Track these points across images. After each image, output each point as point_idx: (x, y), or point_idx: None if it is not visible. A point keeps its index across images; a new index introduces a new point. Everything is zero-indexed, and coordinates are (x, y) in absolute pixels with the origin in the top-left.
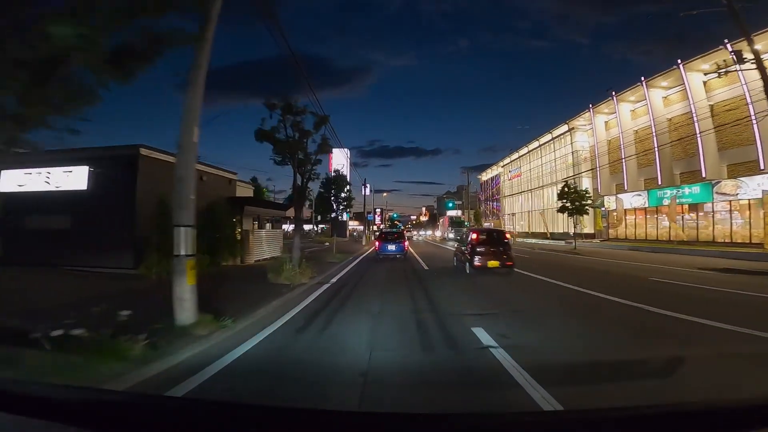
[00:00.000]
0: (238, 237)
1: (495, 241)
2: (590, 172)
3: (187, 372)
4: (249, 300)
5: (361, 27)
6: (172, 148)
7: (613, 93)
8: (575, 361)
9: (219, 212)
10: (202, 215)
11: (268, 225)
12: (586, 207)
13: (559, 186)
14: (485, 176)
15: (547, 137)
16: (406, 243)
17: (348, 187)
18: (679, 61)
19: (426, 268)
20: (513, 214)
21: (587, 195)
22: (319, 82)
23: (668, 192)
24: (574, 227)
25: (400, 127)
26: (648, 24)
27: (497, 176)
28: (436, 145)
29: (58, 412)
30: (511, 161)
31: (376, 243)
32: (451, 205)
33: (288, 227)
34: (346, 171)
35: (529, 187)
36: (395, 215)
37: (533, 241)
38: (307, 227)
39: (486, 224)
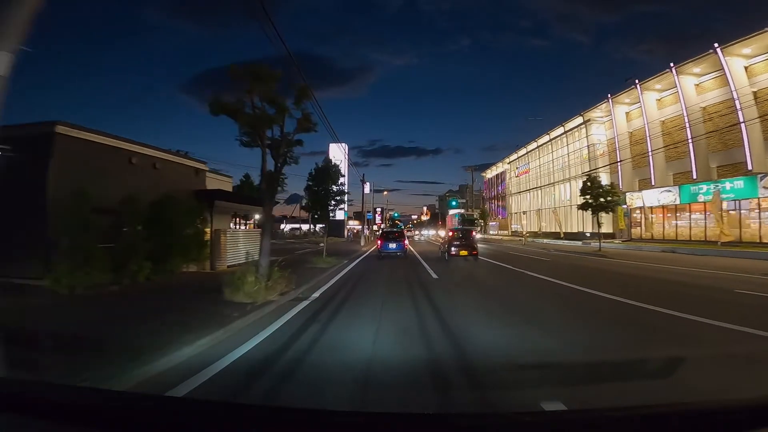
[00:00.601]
0: (204, 238)
1: (464, 237)
2: (609, 167)
3: None
4: (159, 337)
5: (362, 27)
6: (105, 126)
7: (637, 81)
8: None
9: (172, 207)
10: (152, 210)
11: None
12: (612, 204)
13: (574, 182)
14: (490, 173)
15: (559, 131)
16: (406, 242)
17: (342, 179)
18: (716, 45)
19: (435, 276)
20: (525, 212)
21: (613, 191)
22: (320, 83)
23: (704, 187)
24: (599, 226)
25: (401, 126)
26: (649, 23)
27: (503, 173)
28: (437, 145)
29: (59, 412)
30: (518, 157)
31: (378, 242)
32: (454, 203)
33: (285, 226)
34: (344, 168)
35: (539, 184)
36: (396, 214)
37: (545, 241)
38: (305, 227)
39: (491, 223)
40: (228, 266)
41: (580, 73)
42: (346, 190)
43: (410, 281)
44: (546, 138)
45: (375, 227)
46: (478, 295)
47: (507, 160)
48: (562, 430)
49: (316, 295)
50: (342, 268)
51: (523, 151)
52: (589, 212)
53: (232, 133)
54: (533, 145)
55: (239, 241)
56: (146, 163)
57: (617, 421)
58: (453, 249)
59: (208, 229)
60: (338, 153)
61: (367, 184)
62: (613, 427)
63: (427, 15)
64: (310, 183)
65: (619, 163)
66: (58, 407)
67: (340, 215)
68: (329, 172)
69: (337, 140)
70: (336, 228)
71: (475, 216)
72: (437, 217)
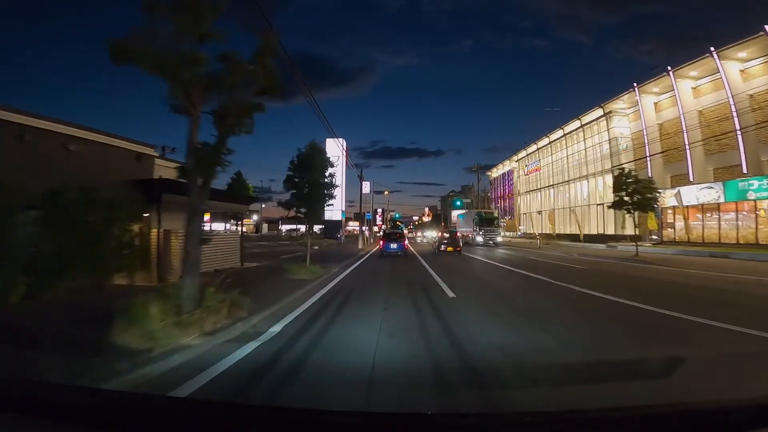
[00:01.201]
0: (146, 242)
1: (451, 237)
2: (634, 162)
3: None
4: None
5: (363, 27)
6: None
7: (669, 68)
8: None
9: (75, 200)
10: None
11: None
12: (652, 201)
13: (593, 179)
14: (495, 172)
15: (574, 125)
16: (406, 242)
17: (332, 170)
18: (767, 27)
19: (452, 295)
20: (539, 212)
21: (652, 186)
22: (321, 83)
23: (755, 182)
24: (635, 227)
25: (403, 127)
26: (650, 23)
27: (509, 172)
28: (438, 146)
29: (59, 412)
30: (527, 154)
31: (381, 242)
32: (459, 203)
33: (283, 227)
34: (341, 164)
35: (551, 182)
36: (397, 215)
37: (562, 244)
38: (304, 228)
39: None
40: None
41: (581, 74)
42: (336, 183)
43: (417, 300)
44: (559, 133)
45: (376, 228)
46: (547, 338)
47: (515, 158)
48: (562, 430)
49: (277, 328)
50: (329, 280)
51: (533, 148)
52: (613, 212)
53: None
54: (545, 141)
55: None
56: (51, 142)
57: (617, 421)
58: (442, 246)
59: (155, 231)
60: (335, 149)
61: (367, 183)
62: (613, 427)
63: (428, 15)
64: (291, 173)
65: (648, 158)
66: (58, 407)
67: (337, 215)
68: (315, 159)
69: (333, 135)
70: (332, 229)
71: (495, 214)
72: (440, 218)
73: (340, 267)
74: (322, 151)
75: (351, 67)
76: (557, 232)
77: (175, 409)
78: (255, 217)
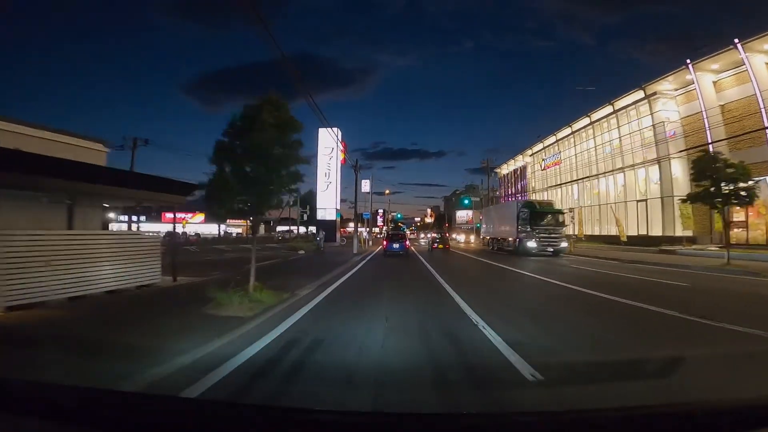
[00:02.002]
0: None
1: (442, 237)
2: (687, 151)
3: None
4: None
5: (365, 28)
6: None
7: (737, 41)
8: None
9: None
10: None
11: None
12: (750, 192)
13: (630, 172)
14: (505, 169)
15: (604, 111)
16: (408, 242)
17: (297, 136)
18: None
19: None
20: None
21: (745, 171)
22: (322, 85)
23: None
24: (726, 226)
25: (404, 129)
26: (654, 24)
27: (523, 168)
28: (440, 147)
29: (59, 412)
30: (544, 147)
31: (384, 242)
32: (467, 201)
33: (278, 228)
34: (335, 158)
35: (574, 176)
36: (399, 215)
37: (596, 246)
38: (302, 229)
39: None
40: (13, 305)
41: (584, 75)
42: (305, 159)
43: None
44: (585, 121)
45: (376, 229)
46: None
47: (528, 153)
48: (562, 430)
49: None
50: (281, 319)
51: (551, 140)
52: (660, 209)
53: None
54: (566, 131)
55: (47, 254)
56: None
57: (617, 421)
58: (434, 244)
59: None
60: (329, 141)
61: (366, 181)
62: (613, 427)
63: (429, 16)
64: (226, 139)
65: (710, 144)
66: (58, 407)
67: (331, 215)
68: (268, 117)
69: (324, 121)
70: (330, 230)
71: (560, 208)
72: (444, 219)
73: (316, 286)
74: (283, 106)
75: (352, 69)
76: (585, 232)
77: (174, 409)
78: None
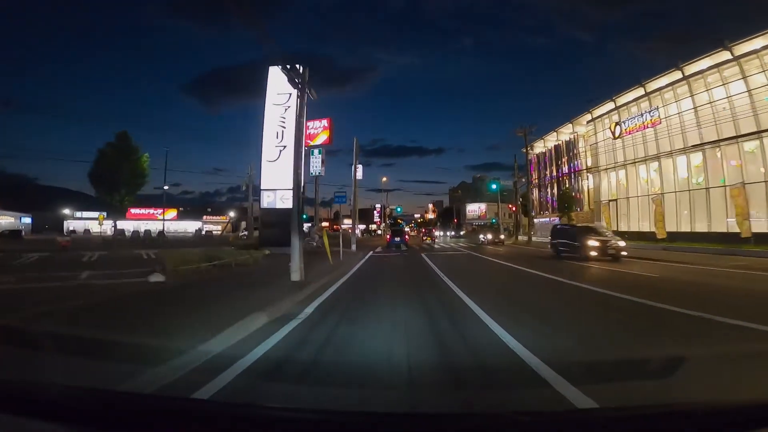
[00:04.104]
0: None
1: (428, 233)
2: None
3: None
4: None
5: (364, 25)
6: None
7: None
8: None
9: None
10: None
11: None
12: None
13: (746, 143)
14: (540, 146)
15: (710, 60)
16: (407, 237)
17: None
18: None
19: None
20: (653, 197)
21: None
22: (321, 82)
23: None
24: None
25: (403, 126)
26: (653, 21)
27: (568, 143)
28: (439, 144)
29: (59, 412)
30: (615, 108)
31: (387, 236)
32: (495, 187)
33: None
34: (293, 107)
35: (663, 148)
36: (399, 209)
37: (697, 247)
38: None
39: (541, 220)
40: None
41: (584, 73)
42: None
43: None
44: (677, 75)
45: (374, 226)
46: None
47: (582, 120)
48: (562, 430)
49: None
50: None
51: (633, 94)
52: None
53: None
54: (652, 85)
55: None
56: None
57: (617, 421)
58: (424, 237)
59: None
60: (284, 84)
61: (360, 167)
62: (613, 427)
63: (429, 13)
64: None
65: None
66: (58, 407)
67: (286, 201)
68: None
69: (282, 60)
70: (278, 227)
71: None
72: (450, 214)
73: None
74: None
75: (351, 66)
76: (669, 228)
77: (174, 409)
78: (232, 213)
